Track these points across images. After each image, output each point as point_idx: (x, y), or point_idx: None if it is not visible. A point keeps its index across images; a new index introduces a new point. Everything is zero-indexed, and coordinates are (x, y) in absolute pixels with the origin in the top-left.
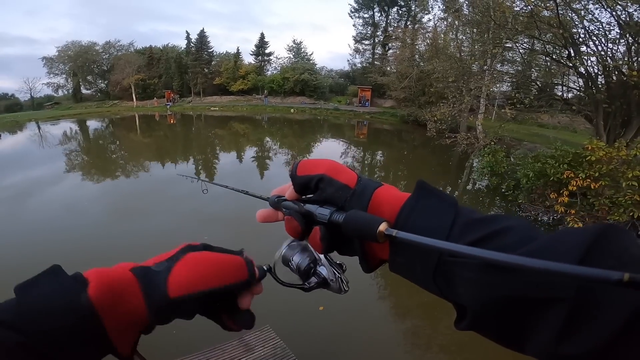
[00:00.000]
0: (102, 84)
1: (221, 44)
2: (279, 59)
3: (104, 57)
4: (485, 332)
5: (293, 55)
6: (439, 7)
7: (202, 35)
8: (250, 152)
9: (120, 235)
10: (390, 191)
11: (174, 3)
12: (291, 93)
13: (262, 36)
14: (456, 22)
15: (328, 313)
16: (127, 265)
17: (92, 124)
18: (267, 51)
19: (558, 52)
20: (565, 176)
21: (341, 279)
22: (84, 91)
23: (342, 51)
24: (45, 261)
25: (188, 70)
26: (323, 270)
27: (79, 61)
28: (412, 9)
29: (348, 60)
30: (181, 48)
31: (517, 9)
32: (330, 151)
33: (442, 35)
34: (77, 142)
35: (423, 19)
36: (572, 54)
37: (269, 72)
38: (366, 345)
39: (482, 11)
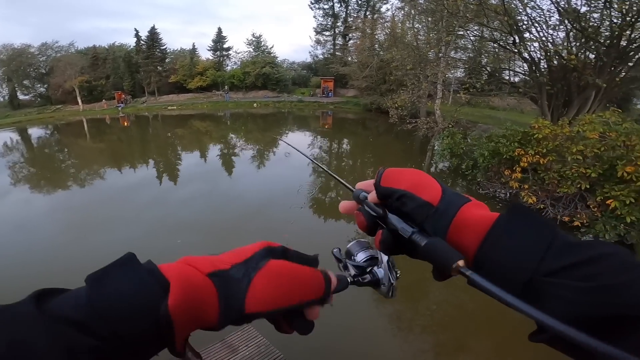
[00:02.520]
0: (41, 88)
1: (175, 39)
2: (238, 53)
3: (41, 59)
4: (568, 350)
5: (253, 49)
6: None
7: (153, 32)
8: (214, 150)
9: (81, 253)
10: (478, 210)
11: None
12: (253, 87)
13: (220, 30)
14: (412, 11)
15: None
16: (205, 264)
17: (35, 132)
18: (225, 46)
19: (504, 38)
20: (516, 154)
21: (393, 285)
22: (21, 97)
23: (305, 43)
24: None
25: (139, 69)
26: (379, 272)
27: (13, 65)
28: None
29: (310, 52)
30: (130, 46)
31: None
32: (297, 143)
33: (400, 25)
34: (20, 153)
35: (381, 9)
36: (517, 40)
37: (229, 67)
38: (354, 334)
39: (436, 0)
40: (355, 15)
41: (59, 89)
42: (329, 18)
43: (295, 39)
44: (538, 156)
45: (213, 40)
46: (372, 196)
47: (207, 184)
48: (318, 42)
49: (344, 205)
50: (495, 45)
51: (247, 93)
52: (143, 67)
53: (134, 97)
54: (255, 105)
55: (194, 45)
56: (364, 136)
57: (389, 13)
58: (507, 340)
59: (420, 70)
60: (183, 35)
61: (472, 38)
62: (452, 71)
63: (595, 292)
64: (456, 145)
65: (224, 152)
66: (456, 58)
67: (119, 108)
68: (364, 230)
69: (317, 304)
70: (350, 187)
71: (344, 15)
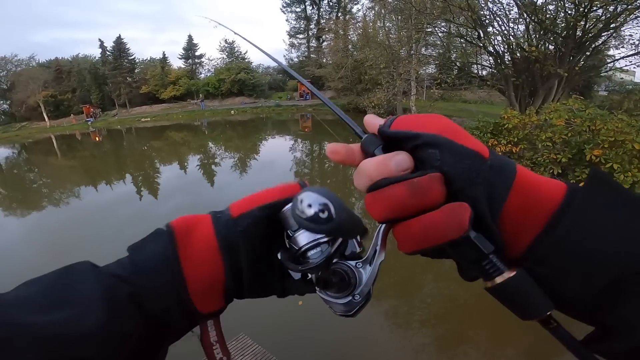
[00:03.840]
0: (4, 105)
1: (145, 48)
2: (211, 60)
3: (1, 74)
4: None
5: (227, 55)
6: None
7: (119, 42)
8: (193, 160)
9: None
10: (536, 175)
11: (75, 7)
12: (229, 94)
13: (190, 38)
14: (382, 11)
15: (303, 308)
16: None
17: (1, 152)
18: (197, 53)
19: (470, 33)
20: (490, 144)
21: (362, 305)
22: None
23: (279, 47)
24: None
25: (107, 80)
26: (364, 273)
27: None
28: (342, 0)
29: (284, 56)
30: (95, 57)
31: None
32: (278, 148)
33: (371, 24)
34: None
35: (352, 9)
36: (482, 35)
37: (203, 75)
38: (351, 333)
39: None
40: (327, 17)
41: (23, 105)
42: (302, 21)
43: (269, 43)
44: (510, 145)
45: (184, 48)
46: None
47: (189, 196)
48: (292, 45)
49: (336, 148)
50: (462, 40)
51: (224, 100)
52: (111, 79)
53: (104, 111)
54: (232, 112)
55: (164, 54)
56: (344, 136)
57: (360, 13)
58: (503, 327)
59: (394, 68)
60: (152, 44)
61: (440, 35)
62: (424, 68)
63: None
64: None
65: (204, 162)
66: (427, 55)
67: (89, 122)
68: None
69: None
70: (358, 132)
71: (316, 18)
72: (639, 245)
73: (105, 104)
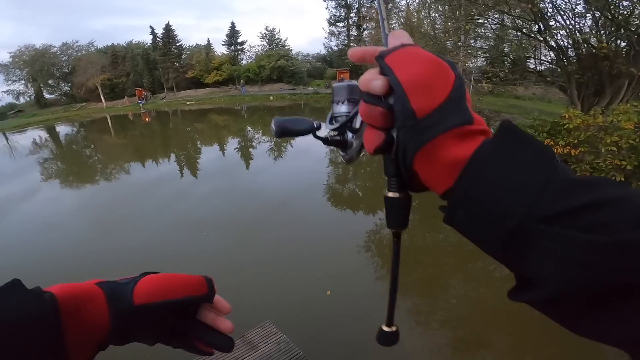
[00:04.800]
0: (65, 87)
1: (190, 35)
2: (252, 47)
3: (63, 59)
4: (558, 315)
5: (267, 43)
6: None
7: (168, 29)
8: (232, 143)
9: (105, 252)
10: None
11: None
12: (269, 80)
13: (233, 25)
14: (428, 0)
15: (328, 300)
16: (93, 280)
17: (62, 130)
18: (239, 40)
19: (528, 26)
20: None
21: (355, 155)
22: (47, 96)
23: (319, 35)
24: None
25: (157, 65)
26: (354, 140)
27: (36, 65)
28: None
29: (324, 44)
30: (147, 44)
31: None
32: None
33: (415, 14)
34: (49, 150)
35: None
36: (542, 28)
37: (244, 61)
38: (372, 328)
39: None
40: (368, 5)
41: (82, 88)
42: (342, 9)
43: (309, 31)
44: (569, 147)
45: (227, 35)
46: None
47: (227, 177)
48: (332, 33)
49: (353, 50)
50: (518, 33)
51: (263, 86)
52: (160, 64)
53: (154, 94)
54: (271, 98)
55: (208, 41)
56: None
57: (404, 2)
58: (527, 337)
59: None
60: (197, 30)
61: (492, 26)
62: (473, 60)
63: (607, 250)
64: None
65: (242, 146)
66: (476, 47)
67: (140, 104)
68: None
69: (205, 301)
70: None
71: (357, 6)
72: (543, 193)
73: (155, 87)
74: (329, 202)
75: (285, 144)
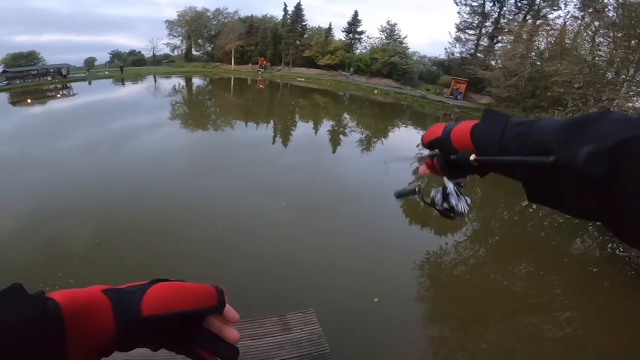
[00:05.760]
0: (209, 47)
1: (315, 16)
2: (370, 38)
3: (213, 22)
4: (540, 198)
5: (385, 37)
6: (574, 4)
7: (298, 8)
8: (326, 125)
9: (194, 193)
10: (463, 125)
11: None
12: (377, 74)
13: (356, 14)
14: (595, 23)
15: (373, 306)
16: (99, 287)
17: (196, 81)
18: (359, 29)
19: None
20: None
21: (465, 205)
22: (194, 52)
23: (442, 38)
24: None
25: (282, 40)
26: (453, 199)
27: (194, 25)
28: (536, 2)
29: (446, 49)
30: (278, 19)
31: None
32: (406, 139)
33: (573, 35)
34: (181, 96)
35: (549, 15)
36: None
37: (358, 51)
38: (392, 344)
39: (638, 16)
40: (510, 17)
41: (221, 50)
42: (476, 16)
43: (432, 32)
44: None
45: (348, 23)
46: (424, 151)
47: (311, 155)
48: (458, 39)
49: (421, 168)
50: None
51: (370, 78)
52: (285, 40)
53: (272, 65)
54: (375, 92)
55: (330, 25)
56: None
57: (559, 21)
58: None
59: (593, 91)
60: (323, 13)
61: None
62: (635, 99)
63: (521, 136)
64: None
65: (335, 129)
66: None
67: (259, 72)
68: (431, 169)
69: (214, 312)
70: (413, 158)
71: (495, 16)
72: (504, 129)
73: (275, 59)
74: (400, 210)
75: (375, 140)
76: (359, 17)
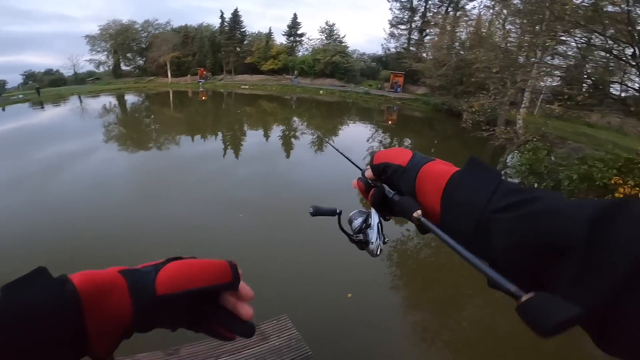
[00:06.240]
0: (140, 61)
1: (255, 22)
2: (310, 40)
3: (143, 35)
4: (516, 278)
5: (325, 37)
6: None
7: (235, 15)
8: (277, 131)
9: (142, 218)
10: (438, 166)
11: None
12: (321, 75)
13: (295, 16)
14: (505, 11)
15: (347, 303)
16: (116, 268)
17: (130, 98)
18: (299, 32)
19: (621, 49)
20: (612, 182)
21: (380, 245)
22: (123, 67)
23: (378, 34)
24: (75, 235)
25: (221, 49)
26: (371, 234)
27: (120, 39)
28: None
29: (382, 45)
30: (215, 27)
31: (578, 1)
32: (356, 135)
33: (487, 24)
34: (115, 115)
35: (466, 6)
36: (638, 53)
37: (300, 53)
38: (384, 338)
39: (538, 2)
40: (435, 10)
41: (154, 63)
42: (406, 12)
43: (369, 29)
44: (638, 189)
45: (288, 26)
46: (368, 172)
47: (266, 164)
48: (392, 35)
49: (355, 182)
50: (607, 54)
51: (315, 80)
52: (224, 47)
53: (213, 74)
54: (321, 92)
55: (270, 29)
56: (429, 137)
57: (475, 11)
58: None
59: (509, 74)
60: (262, 18)
61: (577, 45)
62: (547, 79)
63: (523, 220)
64: (538, 162)
65: (286, 134)
66: (554, 65)
67: (200, 83)
68: (364, 195)
69: (229, 289)
70: (360, 167)
71: (422, 10)
72: (492, 196)
73: (216, 69)
74: (361, 206)
75: (327, 139)
76: (299, 20)
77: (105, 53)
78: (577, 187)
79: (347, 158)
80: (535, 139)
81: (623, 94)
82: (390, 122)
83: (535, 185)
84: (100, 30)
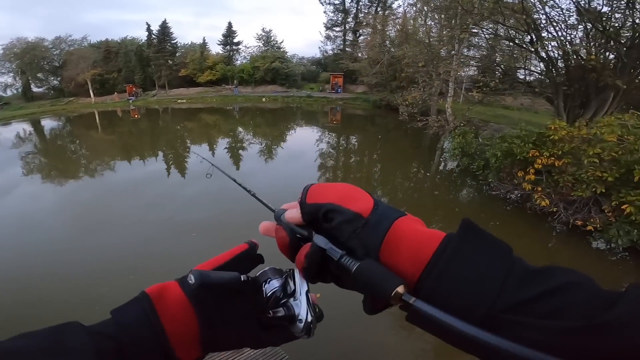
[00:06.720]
0: (55, 81)
1: (187, 32)
2: (248, 47)
3: (55, 52)
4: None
5: (263, 44)
6: None
7: (164, 26)
8: (222, 143)
9: (85, 258)
10: (415, 225)
11: None
12: (262, 82)
13: (230, 25)
14: (425, 8)
15: (321, 301)
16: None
17: (48, 124)
18: (235, 40)
19: (521, 37)
20: (530, 155)
21: (314, 323)
22: (34, 89)
23: (316, 38)
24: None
25: (150, 63)
26: (296, 305)
27: (27, 58)
28: None
29: (319, 48)
30: (142, 40)
31: None
32: (304, 139)
33: (412, 21)
34: (32, 144)
35: (393, 5)
36: (534, 39)
37: (238, 62)
38: (359, 331)
39: None
40: (366, 11)
41: (72, 82)
42: (339, 14)
43: (307, 33)
44: (553, 158)
45: (223, 35)
46: (292, 214)
47: (216, 180)
48: (328, 37)
49: (265, 225)
50: (510, 43)
51: (256, 87)
52: (154, 61)
53: (145, 90)
54: (264, 99)
55: (204, 39)
56: (373, 132)
57: (401, 9)
58: None
59: (433, 67)
60: (195, 27)
61: (486, 36)
62: (465, 69)
63: (576, 334)
64: (468, 145)
65: (233, 146)
66: (469, 56)
67: (130, 101)
68: (285, 252)
69: (249, 254)
70: (270, 206)
71: (354, 11)
72: (504, 286)
73: (147, 84)
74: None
75: (276, 147)
76: (234, 28)
77: (12, 74)
78: (502, 163)
79: (249, 192)
80: (462, 125)
81: (528, 78)
82: (335, 122)
83: (468, 164)
84: (3, 49)
